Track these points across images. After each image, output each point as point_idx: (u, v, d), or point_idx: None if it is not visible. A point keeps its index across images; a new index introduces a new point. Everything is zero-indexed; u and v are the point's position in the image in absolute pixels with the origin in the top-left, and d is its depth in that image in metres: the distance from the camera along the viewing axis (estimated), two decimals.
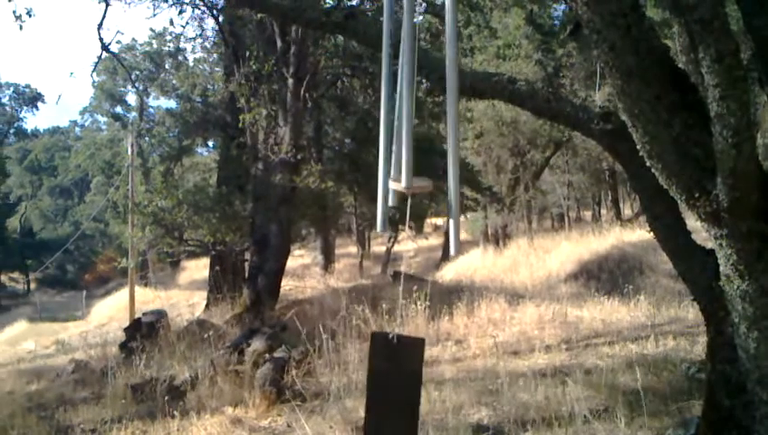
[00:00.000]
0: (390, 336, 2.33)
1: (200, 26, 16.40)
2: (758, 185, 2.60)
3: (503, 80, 3.79)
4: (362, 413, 5.50)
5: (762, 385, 2.80)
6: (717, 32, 2.22)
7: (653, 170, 2.83)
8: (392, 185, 2.20)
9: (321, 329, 6.84)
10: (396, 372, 2.33)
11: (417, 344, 2.47)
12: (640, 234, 14.71)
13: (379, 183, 2.22)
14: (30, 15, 8.70)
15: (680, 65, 3.00)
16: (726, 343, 3.05)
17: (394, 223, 22.37)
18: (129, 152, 23.94)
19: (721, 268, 2.86)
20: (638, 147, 2.84)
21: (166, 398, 6.19)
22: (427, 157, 12.87)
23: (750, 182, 2.55)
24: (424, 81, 3.89)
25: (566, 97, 3.90)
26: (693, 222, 3.45)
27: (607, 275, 13.97)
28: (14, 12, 8.66)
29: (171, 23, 24.81)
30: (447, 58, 2.16)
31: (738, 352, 2.90)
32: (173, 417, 5.66)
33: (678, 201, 2.90)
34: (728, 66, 2.31)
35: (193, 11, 14.79)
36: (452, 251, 2.84)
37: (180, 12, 14.23)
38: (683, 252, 3.40)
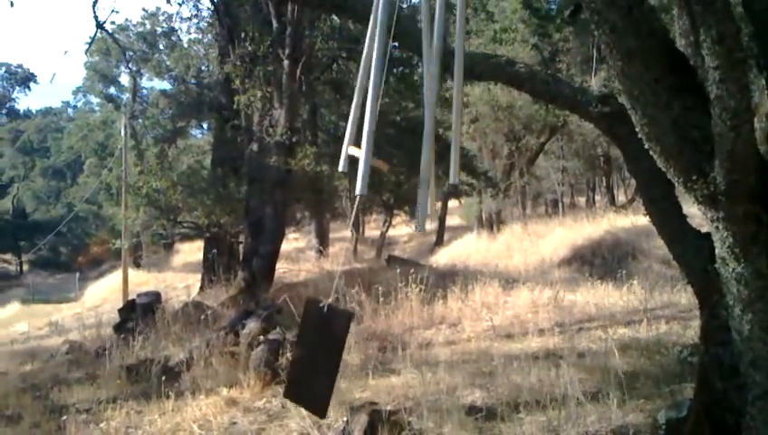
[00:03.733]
0: (321, 305, 2.46)
1: (195, 6, 16.26)
2: (755, 168, 2.61)
3: (501, 61, 3.78)
4: (356, 395, 5.56)
5: (755, 367, 2.82)
6: (719, 12, 2.22)
7: (651, 153, 2.84)
8: (352, 151, 2.26)
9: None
10: (323, 337, 2.46)
11: (345, 316, 2.66)
12: (634, 220, 14.77)
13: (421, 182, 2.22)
14: None
15: (680, 48, 2.99)
16: (720, 325, 3.07)
17: (388, 206, 22.39)
18: (123, 134, 23.77)
19: (717, 251, 2.87)
20: (636, 129, 2.84)
21: (161, 378, 6.20)
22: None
23: (747, 165, 2.56)
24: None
25: (564, 80, 3.89)
26: (688, 208, 3.46)
27: (600, 261, 14.03)
28: None
29: (168, 1, 24.49)
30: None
31: (732, 335, 2.93)
32: (168, 397, 5.67)
33: (676, 184, 2.91)
34: (729, 48, 2.30)
35: None
36: (419, 227, 2.95)
37: None
38: (678, 235, 3.41)
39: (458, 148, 2.25)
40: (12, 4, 8.15)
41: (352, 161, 2.47)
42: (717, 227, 2.78)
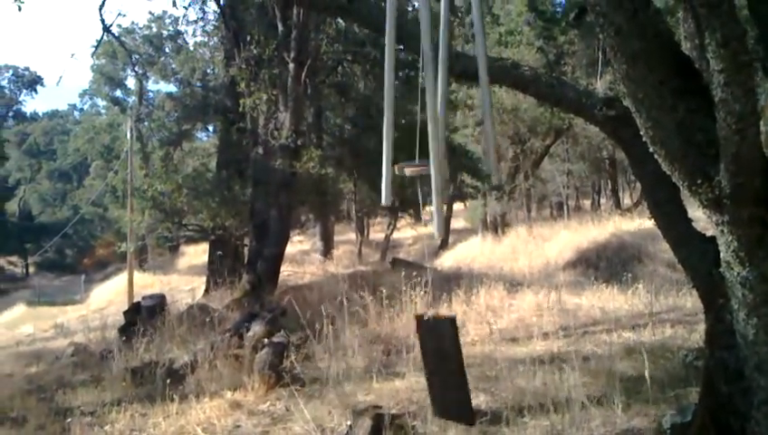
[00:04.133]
0: (426, 318, 2.48)
1: (202, 9, 16.32)
2: (760, 171, 2.60)
3: (506, 64, 3.77)
4: (360, 398, 5.55)
5: (760, 371, 2.81)
6: (725, 16, 2.21)
7: (656, 156, 2.83)
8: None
9: (323, 313, 6.86)
10: (439, 348, 2.47)
11: (447, 322, 2.65)
12: (639, 223, 14.74)
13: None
14: None
15: (685, 51, 2.99)
16: (725, 329, 3.06)
17: (393, 210, 22.38)
18: (129, 136, 23.85)
19: (722, 255, 2.86)
20: (641, 132, 2.83)
21: (165, 381, 6.21)
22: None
23: (753, 168, 2.55)
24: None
25: (569, 82, 3.89)
26: (693, 211, 3.45)
27: (605, 264, 13.99)
28: None
29: (174, 4, 24.66)
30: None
31: (737, 339, 2.91)
32: (172, 400, 5.67)
33: (680, 187, 2.90)
34: (734, 51, 2.29)
35: None
36: (435, 233, 2.98)
37: None
38: (683, 239, 3.40)
39: (493, 148, 2.26)
40: (20, 9, 8.19)
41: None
42: (722, 231, 2.77)
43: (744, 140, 2.43)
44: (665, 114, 2.68)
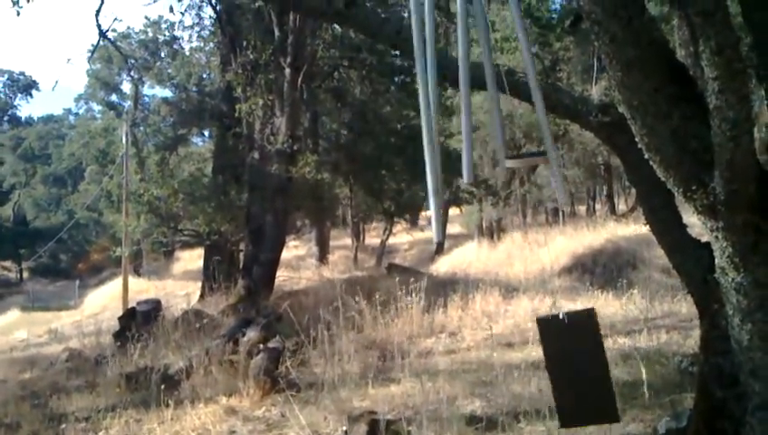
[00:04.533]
0: (561, 317, 2.37)
1: (198, 15, 16.31)
2: (755, 178, 2.61)
3: (501, 71, 3.78)
4: (356, 403, 5.54)
5: (754, 377, 2.81)
6: (719, 24, 2.22)
7: (651, 163, 2.84)
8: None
9: (320, 318, 6.85)
10: (576, 346, 2.36)
11: (586, 314, 2.54)
12: (634, 229, 14.77)
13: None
14: (28, 1, 8.58)
15: (679, 58, 3.00)
16: (720, 335, 3.07)
17: (389, 214, 22.39)
18: (124, 141, 23.83)
19: (716, 261, 2.87)
20: (636, 139, 2.84)
21: (160, 387, 6.18)
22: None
23: (747, 175, 2.56)
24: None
25: (565, 89, 3.90)
26: (688, 217, 3.46)
27: (601, 269, 14.01)
28: None
29: (171, 10, 24.65)
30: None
31: (732, 344, 2.92)
32: (167, 406, 5.65)
33: (675, 194, 2.91)
34: (728, 59, 2.31)
35: None
36: (435, 237, 2.92)
37: None
38: (678, 245, 3.41)
39: (470, 150, 2.25)
40: (18, 14, 8.18)
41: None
42: (717, 237, 2.78)
43: (738, 146, 2.45)
44: (659, 121, 2.69)
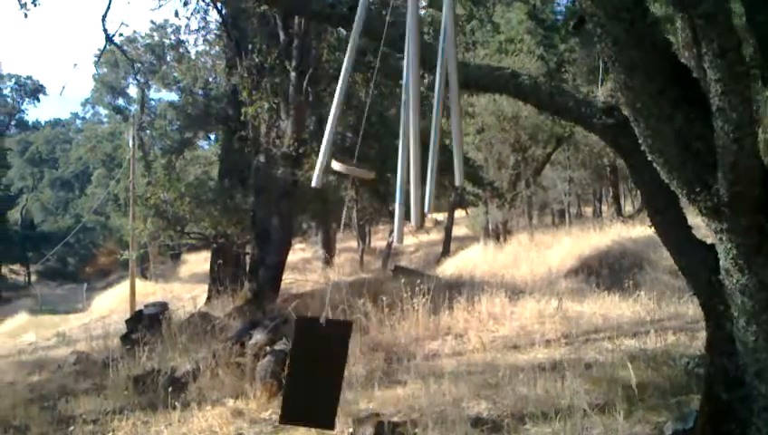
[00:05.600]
0: (321, 321, 2.44)
1: (203, 18, 16.36)
2: (759, 180, 2.62)
3: (506, 74, 3.80)
4: (362, 406, 5.55)
5: (760, 378, 2.82)
6: (721, 26, 2.23)
7: (655, 165, 2.85)
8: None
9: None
10: (322, 352, 2.44)
11: (343, 325, 2.66)
12: (641, 230, 14.71)
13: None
14: (35, 5, 8.66)
15: (682, 60, 3.01)
16: (725, 336, 3.07)
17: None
18: (131, 145, 23.95)
19: (721, 262, 2.88)
20: (640, 141, 2.85)
21: (167, 389, 6.22)
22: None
23: (751, 177, 2.57)
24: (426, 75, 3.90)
25: (569, 91, 3.91)
26: (693, 218, 3.46)
27: (607, 271, 13.97)
28: (19, 0, 8.60)
29: (176, 14, 24.73)
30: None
31: (737, 346, 2.92)
32: (174, 408, 5.68)
33: (679, 196, 2.92)
34: (731, 61, 2.32)
35: (197, 2, 14.74)
36: (396, 240, 2.93)
37: (185, 3, 14.13)
38: (683, 247, 3.41)
39: (461, 152, 2.26)
40: (26, 16, 8.27)
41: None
42: (721, 239, 2.79)
43: (741, 148, 2.45)
44: (663, 123, 2.70)
